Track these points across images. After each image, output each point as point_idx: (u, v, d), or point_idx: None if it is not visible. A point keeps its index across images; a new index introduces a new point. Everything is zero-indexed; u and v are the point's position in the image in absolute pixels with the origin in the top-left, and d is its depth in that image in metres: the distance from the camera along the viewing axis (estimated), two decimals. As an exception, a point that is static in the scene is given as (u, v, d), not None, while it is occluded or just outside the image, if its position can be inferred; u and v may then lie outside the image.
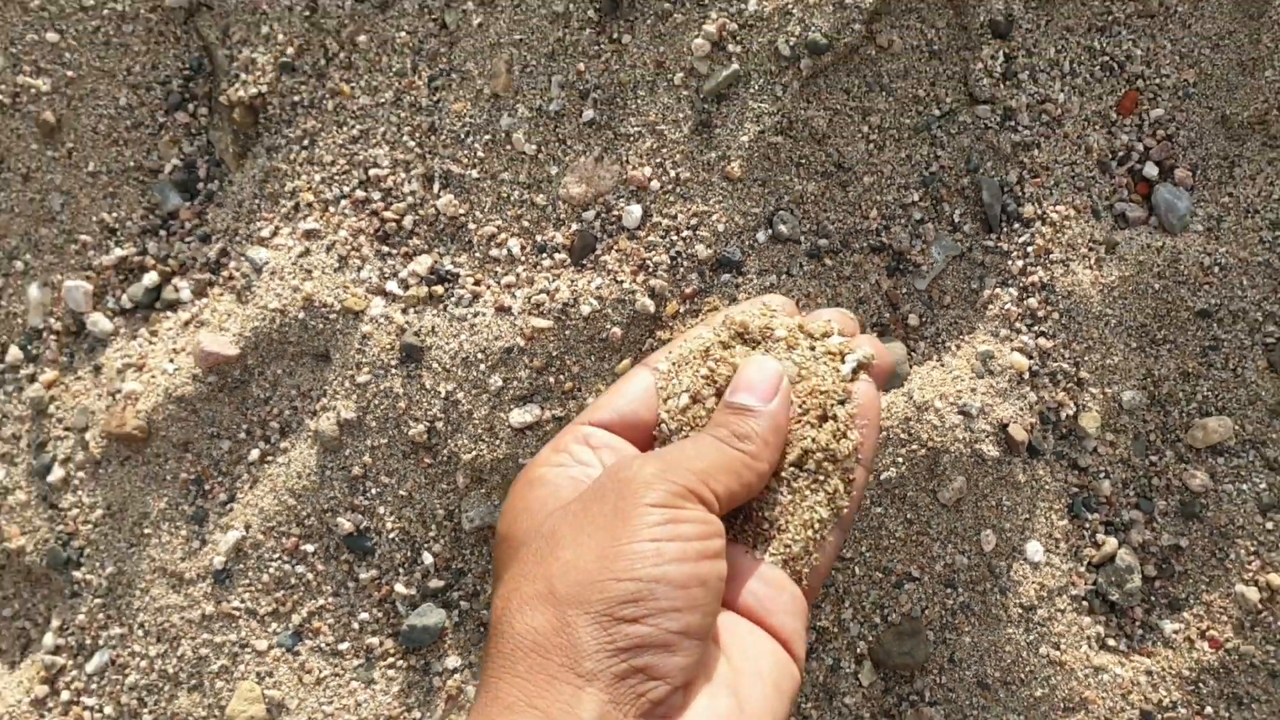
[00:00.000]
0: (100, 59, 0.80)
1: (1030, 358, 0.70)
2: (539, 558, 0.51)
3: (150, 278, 0.79)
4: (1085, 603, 0.71)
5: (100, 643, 0.75)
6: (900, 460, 0.68)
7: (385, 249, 0.74)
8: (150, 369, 0.76)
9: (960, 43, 0.73)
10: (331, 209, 0.75)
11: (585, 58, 0.73)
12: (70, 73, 0.80)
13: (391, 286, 0.73)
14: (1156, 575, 0.72)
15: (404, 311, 0.72)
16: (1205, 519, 0.72)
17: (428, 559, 0.72)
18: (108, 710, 0.74)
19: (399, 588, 0.72)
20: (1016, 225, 0.72)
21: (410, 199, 0.74)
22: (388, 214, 0.75)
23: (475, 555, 0.72)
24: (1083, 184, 0.72)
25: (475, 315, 0.71)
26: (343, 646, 0.72)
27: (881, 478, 0.68)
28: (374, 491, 0.72)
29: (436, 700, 0.71)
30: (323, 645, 0.72)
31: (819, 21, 0.69)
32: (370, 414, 0.71)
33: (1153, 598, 0.72)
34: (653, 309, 0.69)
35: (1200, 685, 0.70)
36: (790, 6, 0.70)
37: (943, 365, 0.71)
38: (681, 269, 0.70)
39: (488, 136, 0.74)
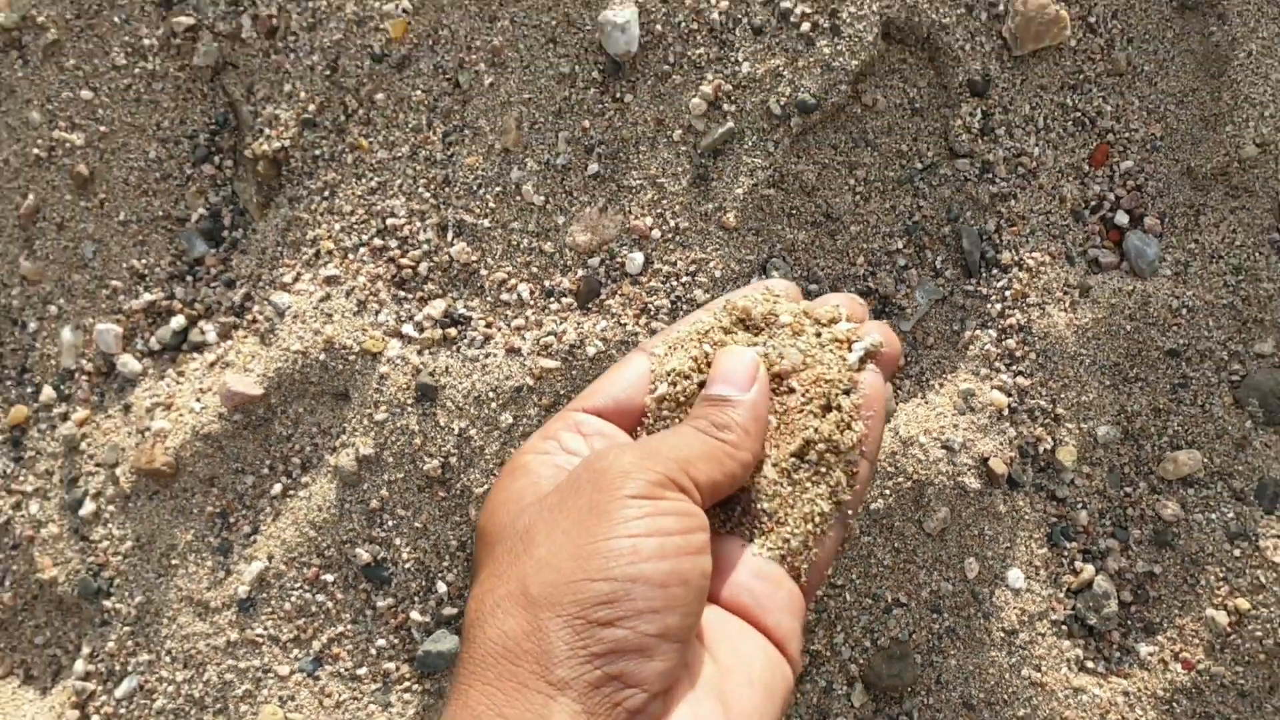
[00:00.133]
0: (131, 114, 0.84)
1: (1009, 395, 0.74)
2: (513, 556, 0.48)
3: (178, 321, 0.83)
4: (1065, 627, 0.75)
5: (129, 669, 0.78)
6: (888, 492, 0.72)
7: (402, 294, 0.79)
8: (178, 408, 0.80)
9: (940, 101, 0.78)
10: (351, 256, 0.80)
11: (590, 115, 0.78)
12: (103, 128, 0.84)
13: (408, 329, 0.77)
14: (1132, 600, 0.76)
15: (419, 353, 0.77)
16: (1177, 547, 0.75)
17: (441, 588, 0.75)
18: (137, 733, 0.77)
19: (414, 615, 0.75)
20: (995, 271, 0.76)
21: (425, 247, 0.79)
22: (404, 261, 0.79)
23: (487, 584, 0.76)
24: (1057, 232, 0.76)
25: (487, 356, 0.76)
26: (361, 671, 0.76)
27: (870, 508, 0.72)
28: (391, 524, 0.76)
29: (450, 722, 0.74)
30: (342, 670, 0.76)
31: (808, 83, 0.74)
32: (387, 450, 0.75)
33: (1129, 622, 0.76)
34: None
35: (1174, 705, 0.74)
36: (781, 69, 0.75)
37: (927, 402, 0.75)
38: (681, 312, 0.74)
39: (499, 188, 0.79)
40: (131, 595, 0.79)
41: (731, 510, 0.55)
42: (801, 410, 0.56)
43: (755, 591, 0.52)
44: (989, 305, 0.76)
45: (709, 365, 0.57)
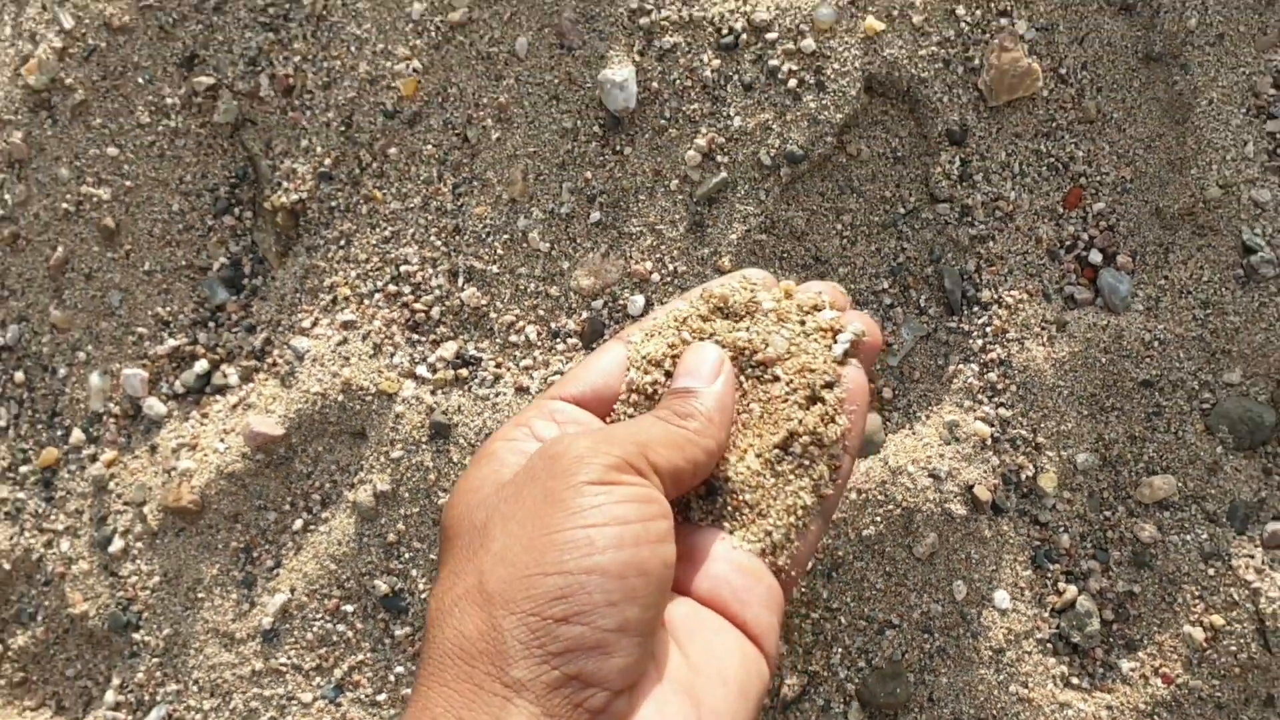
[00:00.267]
0: (155, 170, 0.89)
1: (992, 426, 0.78)
2: (470, 551, 0.46)
3: (201, 365, 0.87)
4: (1050, 645, 0.78)
5: (158, 699, 0.82)
6: (879, 519, 0.76)
7: (415, 337, 0.83)
8: (202, 448, 0.84)
9: (921, 150, 0.82)
10: (366, 302, 0.84)
11: (592, 167, 0.82)
12: (128, 182, 0.89)
13: (421, 370, 0.81)
14: (1114, 619, 0.79)
15: (433, 393, 0.81)
16: (1155, 567, 0.79)
17: (456, 616, 0.79)
18: (166, 761, 0.81)
19: (431, 643, 0.79)
20: (976, 308, 0.80)
21: (437, 292, 0.83)
22: (417, 305, 0.83)
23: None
24: (1034, 270, 0.81)
25: (497, 395, 0.80)
26: (380, 697, 0.79)
27: (862, 534, 0.76)
28: (407, 556, 0.80)
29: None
30: (362, 697, 0.80)
31: (795, 135, 0.79)
32: (403, 486, 0.79)
33: (1111, 639, 0.79)
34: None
35: (1155, 718, 0.77)
36: (770, 123, 0.79)
37: (914, 433, 0.79)
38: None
39: (506, 236, 0.83)
40: (160, 628, 0.82)
41: (713, 502, 0.54)
42: (786, 400, 0.55)
43: (734, 585, 0.51)
44: (971, 341, 0.80)
45: None
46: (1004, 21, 0.80)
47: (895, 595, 0.77)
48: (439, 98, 0.84)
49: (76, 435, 0.87)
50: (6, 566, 0.85)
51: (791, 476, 0.54)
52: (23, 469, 0.87)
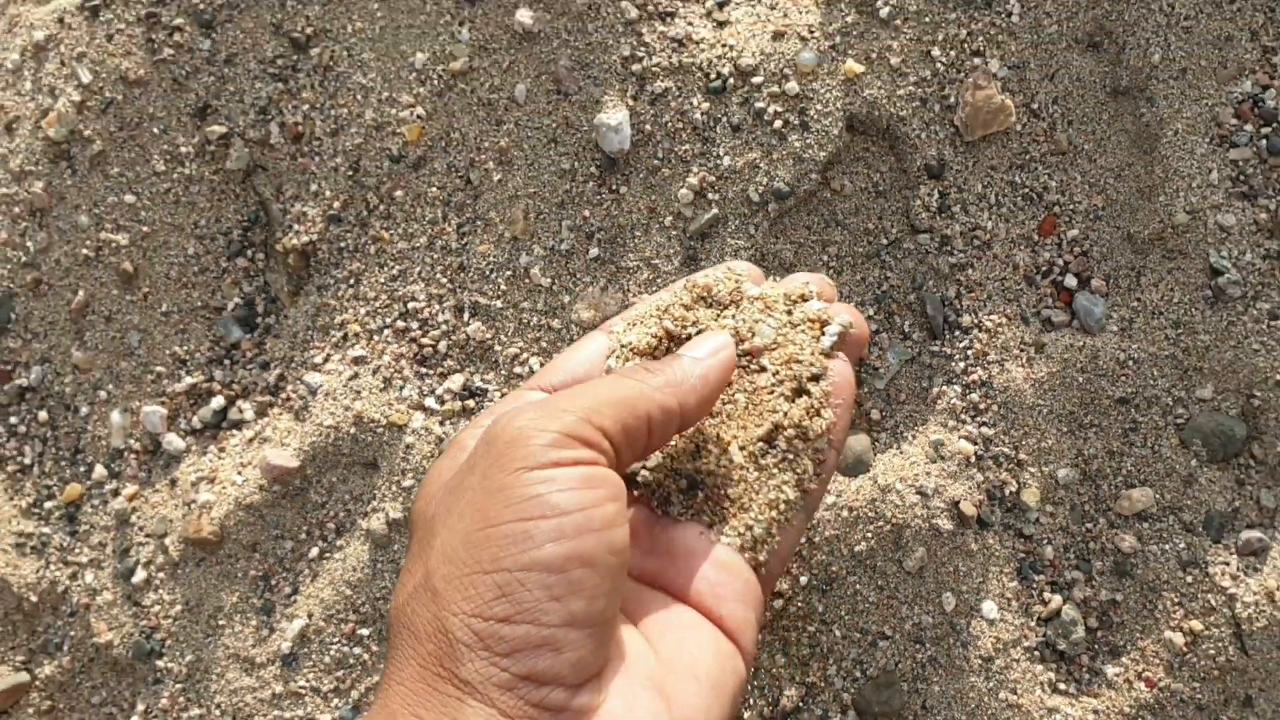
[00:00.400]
0: (171, 215, 0.93)
1: (975, 444, 0.82)
2: (421, 545, 0.45)
3: (217, 401, 0.90)
4: (1037, 652, 0.81)
5: (182, 724, 0.85)
6: (870, 535, 0.80)
7: (423, 370, 0.87)
8: (221, 481, 0.88)
9: (901, 184, 0.86)
10: (376, 338, 0.88)
11: (590, 206, 0.86)
12: (146, 228, 0.92)
13: (430, 402, 0.85)
14: (1098, 626, 0.82)
15: (441, 424, 0.84)
16: (1136, 576, 0.82)
17: (468, 637, 0.82)
18: (191, 783, 0.84)
19: (444, 664, 0.82)
20: (957, 332, 0.84)
21: (444, 327, 0.87)
22: (425, 340, 0.87)
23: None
24: (1012, 295, 0.85)
25: (503, 425, 0.83)
26: (396, 717, 0.83)
27: (854, 550, 0.80)
28: (420, 580, 0.83)
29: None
30: (379, 717, 0.83)
31: (782, 173, 0.83)
32: (415, 513, 0.83)
33: (1095, 646, 0.82)
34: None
35: None
36: (758, 161, 0.83)
37: (902, 453, 0.82)
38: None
39: (509, 272, 0.87)
40: (182, 655, 0.86)
41: (693, 496, 0.53)
42: (772, 392, 0.54)
43: (710, 580, 0.49)
44: (953, 364, 0.84)
45: (668, 341, 0.55)
46: (977, 61, 0.85)
47: (887, 608, 0.80)
48: (442, 142, 0.88)
49: (99, 471, 0.91)
50: (34, 599, 0.88)
51: (775, 471, 0.53)
52: (48, 504, 0.91)
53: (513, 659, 0.40)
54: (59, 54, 0.93)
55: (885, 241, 0.85)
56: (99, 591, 0.88)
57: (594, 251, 0.85)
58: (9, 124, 0.94)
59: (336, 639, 0.83)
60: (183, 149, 0.92)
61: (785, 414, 0.53)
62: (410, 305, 0.87)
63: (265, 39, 0.91)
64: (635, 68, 0.85)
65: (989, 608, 0.80)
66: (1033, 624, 0.81)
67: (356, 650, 0.83)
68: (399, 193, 0.88)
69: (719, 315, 0.56)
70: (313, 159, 0.90)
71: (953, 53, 0.85)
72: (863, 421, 0.84)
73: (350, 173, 0.89)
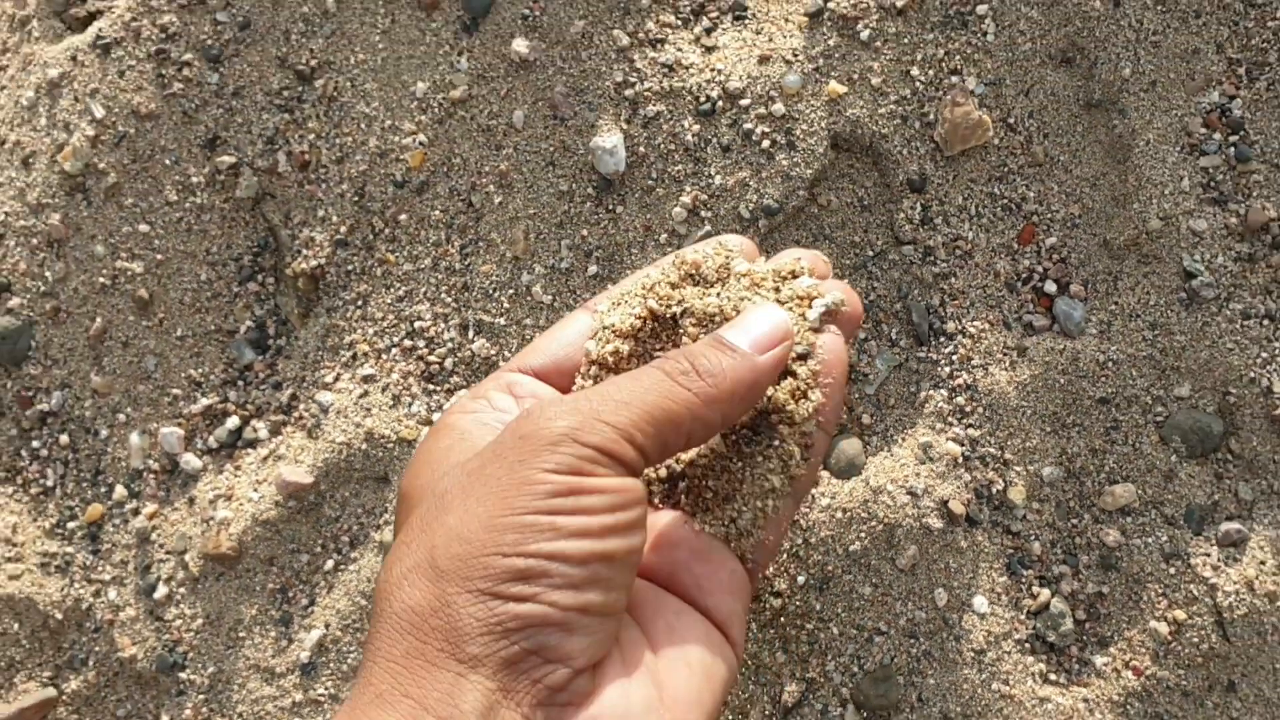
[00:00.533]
0: (184, 243, 0.96)
1: (962, 445, 0.85)
2: (424, 523, 0.43)
3: (232, 421, 0.93)
4: (1027, 645, 0.84)
5: (205, 733, 0.88)
6: (863, 535, 0.83)
7: (431, 387, 0.90)
8: (238, 498, 0.91)
9: (885, 198, 0.89)
10: (384, 356, 0.91)
11: (588, 225, 0.90)
12: (159, 256, 0.96)
13: (438, 418, 0.88)
14: (1085, 618, 0.84)
15: (450, 438, 0.87)
16: (1121, 569, 0.84)
17: (480, 643, 0.85)
18: (215, 790, 0.87)
19: (457, 669, 0.85)
20: (942, 339, 0.87)
21: (450, 344, 0.90)
22: (431, 358, 0.90)
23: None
24: (994, 302, 0.88)
25: (509, 437, 0.87)
26: (412, 722, 0.86)
27: (849, 550, 0.83)
28: (432, 589, 0.86)
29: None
30: (396, 722, 0.86)
31: (771, 190, 0.87)
32: (426, 524, 0.86)
33: (1084, 637, 0.85)
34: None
35: (1128, 708, 0.83)
36: (747, 180, 0.87)
37: (892, 455, 0.85)
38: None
39: (511, 291, 0.90)
40: (204, 666, 0.89)
41: (673, 486, 0.51)
42: None
43: (695, 572, 0.48)
44: (939, 369, 0.87)
45: (652, 322, 0.52)
46: (955, 79, 0.88)
47: (882, 604, 0.83)
48: (444, 167, 0.92)
49: (119, 491, 0.94)
50: (59, 616, 0.91)
51: (759, 458, 0.49)
52: (70, 525, 0.94)
53: (523, 634, 0.39)
54: (72, 90, 0.97)
55: (871, 253, 0.89)
56: (122, 608, 0.91)
57: (593, 269, 0.89)
58: (26, 159, 0.97)
59: (353, 648, 0.86)
60: (194, 179, 0.95)
61: (769, 398, 0.49)
62: (417, 324, 0.90)
63: (271, 72, 0.95)
64: (628, 93, 0.89)
65: (980, 602, 0.83)
66: (1022, 617, 0.84)
67: (372, 658, 0.86)
68: (403, 217, 0.92)
69: (704, 294, 0.52)
70: (319, 186, 0.93)
71: (931, 72, 0.88)
72: (854, 426, 0.87)
73: (356, 198, 0.92)
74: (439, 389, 0.89)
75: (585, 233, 0.89)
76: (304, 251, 0.93)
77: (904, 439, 0.86)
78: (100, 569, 0.93)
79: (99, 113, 0.95)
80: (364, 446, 0.87)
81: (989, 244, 0.88)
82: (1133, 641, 0.83)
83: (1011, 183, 0.89)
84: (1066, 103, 0.89)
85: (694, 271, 0.53)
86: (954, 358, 0.86)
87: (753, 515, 0.50)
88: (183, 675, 0.89)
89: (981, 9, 0.88)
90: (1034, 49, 0.89)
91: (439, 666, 0.39)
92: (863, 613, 0.83)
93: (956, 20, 0.89)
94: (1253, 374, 0.84)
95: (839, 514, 0.83)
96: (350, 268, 0.92)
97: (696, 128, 0.88)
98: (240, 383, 0.95)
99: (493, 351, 0.89)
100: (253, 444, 0.93)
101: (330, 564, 0.88)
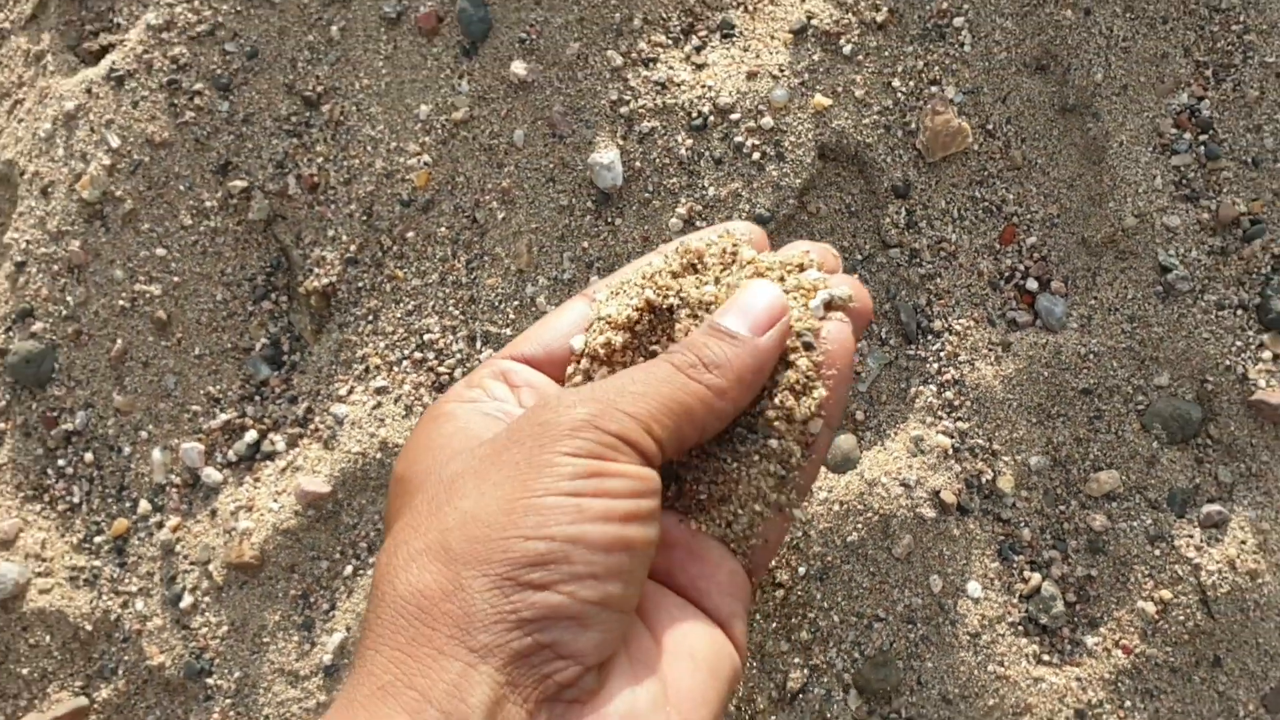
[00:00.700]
0: (199, 265, 0.99)
1: (952, 438, 0.88)
2: (434, 506, 0.41)
3: (251, 435, 0.97)
4: (1020, 627, 0.88)
5: (233, 736, 0.91)
6: (860, 526, 0.87)
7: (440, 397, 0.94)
8: (258, 508, 0.94)
9: (871, 204, 0.93)
10: (395, 369, 0.95)
11: (588, 238, 0.94)
12: (176, 278, 0.99)
13: (430, 404, 0.92)
14: (1076, 600, 0.88)
15: (461, 445, 0.91)
16: (1108, 552, 0.87)
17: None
18: (244, 790, 0.90)
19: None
20: (930, 337, 0.90)
21: (458, 355, 0.94)
22: (441, 369, 0.94)
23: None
24: (978, 300, 0.91)
25: (518, 443, 0.90)
26: (433, 718, 0.89)
27: (847, 540, 0.87)
28: (448, 590, 0.89)
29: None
30: None
31: (762, 200, 0.91)
32: (441, 528, 0.89)
33: (1075, 619, 0.88)
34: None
35: (1119, 685, 0.86)
36: (740, 190, 0.91)
37: (885, 449, 0.88)
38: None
39: (516, 302, 0.94)
40: (230, 672, 0.92)
41: (666, 484, 0.47)
42: None
43: (691, 572, 0.46)
44: (928, 365, 0.90)
45: (649, 314, 0.49)
46: (934, 89, 0.92)
47: (880, 592, 0.87)
48: (449, 186, 0.96)
49: (143, 506, 0.97)
50: (89, 628, 0.95)
51: (757, 457, 0.47)
52: (97, 539, 0.97)
53: (537, 625, 0.38)
54: (88, 121, 1.01)
55: (860, 257, 0.93)
56: (149, 618, 0.95)
57: (594, 279, 0.92)
58: (45, 188, 1.01)
59: (374, 649, 0.89)
60: (207, 203, 0.98)
61: (768, 393, 0.47)
62: (426, 337, 0.94)
63: (279, 99, 0.99)
64: (623, 110, 0.93)
65: (974, 588, 0.86)
66: (1015, 601, 0.87)
67: (393, 658, 0.89)
68: (410, 234, 0.96)
69: (700, 283, 0.50)
70: (329, 207, 0.97)
71: (912, 82, 0.92)
72: (849, 422, 0.91)
73: (364, 218, 0.96)
74: (449, 398, 0.93)
75: (586, 245, 0.93)
76: (315, 270, 0.96)
77: (896, 433, 0.89)
78: (127, 581, 0.96)
79: (114, 142, 0.99)
80: (379, 456, 0.91)
81: (972, 245, 0.92)
82: (1122, 621, 0.86)
83: (992, 186, 0.92)
84: (1042, 108, 0.93)
85: (696, 260, 0.51)
86: (942, 354, 0.90)
87: (750, 516, 0.47)
88: (210, 681, 0.92)
89: (958, 21, 0.92)
90: (1009, 58, 0.93)
91: (447, 655, 0.37)
92: (862, 600, 0.87)
93: (934, 33, 0.93)
94: (1228, 362, 0.88)
95: (836, 506, 0.86)
96: (360, 284, 0.96)
97: (690, 142, 0.92)
98: (257, 398, 0.98)
99: (500, 361, 0.92)
100: (271, 456, 0.96)
101: (349, 569, 0.92)
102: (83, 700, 0.94)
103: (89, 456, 0.98)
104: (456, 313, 0.94)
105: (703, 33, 0.95)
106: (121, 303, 0.98)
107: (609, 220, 0.93)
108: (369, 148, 0.97)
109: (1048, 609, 0.87)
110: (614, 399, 0.43)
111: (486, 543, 0.39)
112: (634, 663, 0.42)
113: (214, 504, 0.96)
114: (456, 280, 0.95)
